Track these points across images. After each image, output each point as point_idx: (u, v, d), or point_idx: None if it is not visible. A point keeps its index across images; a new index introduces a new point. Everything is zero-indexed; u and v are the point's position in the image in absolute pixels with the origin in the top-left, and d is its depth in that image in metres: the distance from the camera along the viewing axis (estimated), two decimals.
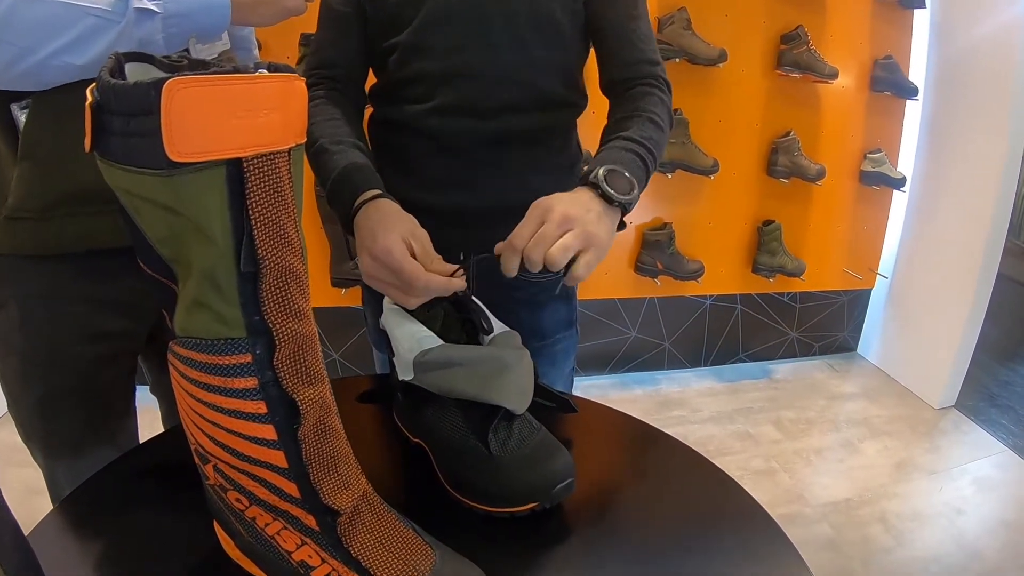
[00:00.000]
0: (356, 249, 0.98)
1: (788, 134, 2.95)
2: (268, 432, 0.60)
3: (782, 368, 3.49)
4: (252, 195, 0.53)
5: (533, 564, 0.79)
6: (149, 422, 1.34)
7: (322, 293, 2.56)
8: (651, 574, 0.78)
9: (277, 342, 0.57)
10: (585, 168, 1.00)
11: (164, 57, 0.60)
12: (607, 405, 1.12)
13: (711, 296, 3.27)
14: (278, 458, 0.61)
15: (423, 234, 0.96)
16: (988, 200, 2.87)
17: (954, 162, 3.06)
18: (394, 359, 0.93)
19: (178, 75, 0.47)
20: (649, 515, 0.88)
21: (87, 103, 0.51)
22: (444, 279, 0.91)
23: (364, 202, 1.00)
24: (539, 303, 1.30)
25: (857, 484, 2.59)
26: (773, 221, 3.09)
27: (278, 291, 0.57)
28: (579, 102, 1.24)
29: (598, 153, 1.05)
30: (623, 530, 0.85)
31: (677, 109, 2.74)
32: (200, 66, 0.59)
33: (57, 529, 0.80)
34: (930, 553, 2.25)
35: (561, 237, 0.90)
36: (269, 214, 0.55)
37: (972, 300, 2.97)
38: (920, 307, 3.27)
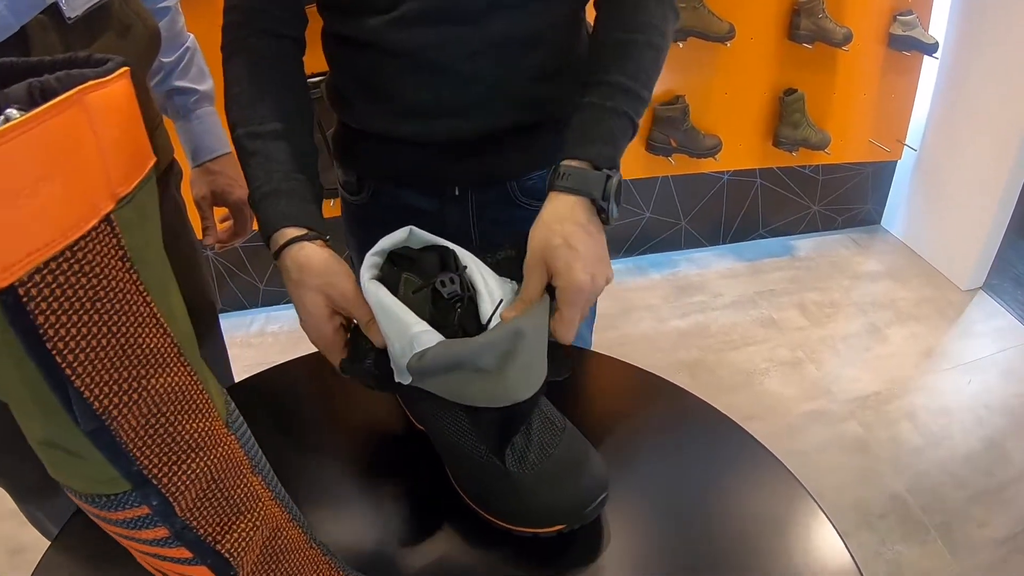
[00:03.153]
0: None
1: None
2: (204, 572, 0.46)
3: (804, 244, 3.33)
4: (52, 330, 0.34)
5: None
6: None
7: None
8: None
9: (170, 497, 0.41)
10: (576, 164, 0.79)
11: None
12: (609, 355, 1.03)
13: (728, 172, 3.07)
14: None
15: (343, 287, 0.78)
16: None
17: (992, 25, 2.75)
18: (387, 350, 0.76)
19: None
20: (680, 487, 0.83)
21: None
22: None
23: (281, 248, 0.80)
24: None
25: (884, 376, 2.49)
26: (796, 90, 2.83)
27: (148, 434, 0.40)
28: None
29: (592, 111, 0.82)
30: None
31: None
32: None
33: None
34: (959, 453, 2.18)
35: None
36: (94, 338, 0.36)
37: (1007, 175, 2.75)
38: (950, 181, 3.06)
